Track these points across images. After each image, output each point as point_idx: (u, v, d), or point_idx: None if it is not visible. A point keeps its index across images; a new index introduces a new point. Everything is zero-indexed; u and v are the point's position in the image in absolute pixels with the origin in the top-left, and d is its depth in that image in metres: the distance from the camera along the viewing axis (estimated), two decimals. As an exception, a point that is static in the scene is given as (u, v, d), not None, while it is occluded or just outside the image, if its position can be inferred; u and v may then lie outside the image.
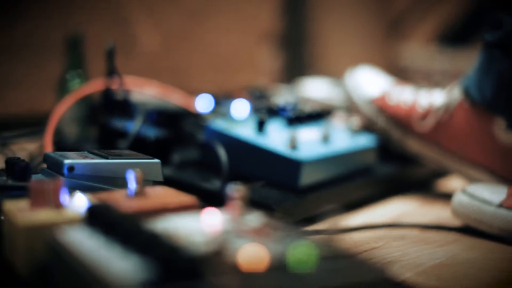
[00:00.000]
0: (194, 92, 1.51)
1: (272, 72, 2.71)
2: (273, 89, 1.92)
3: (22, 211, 0.69)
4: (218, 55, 2.50)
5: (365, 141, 1.35)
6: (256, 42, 2.68)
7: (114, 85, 1.35)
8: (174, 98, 1.48)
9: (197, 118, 1.36)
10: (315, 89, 1.74)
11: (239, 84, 2.16)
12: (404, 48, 3.22)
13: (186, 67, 2.36)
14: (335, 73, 2.13)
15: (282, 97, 1.66)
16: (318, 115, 1.40)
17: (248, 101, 1.40)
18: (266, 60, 2.71)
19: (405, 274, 0.88)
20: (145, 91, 1.48)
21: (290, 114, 1.34)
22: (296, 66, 2.84)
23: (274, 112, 1.36)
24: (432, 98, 1.37)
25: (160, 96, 1.48)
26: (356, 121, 1.39)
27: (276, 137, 1.23)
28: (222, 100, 1.44)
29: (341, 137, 1.32)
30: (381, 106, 1.43)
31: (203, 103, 1.41)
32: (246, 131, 1.23)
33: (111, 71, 1.34)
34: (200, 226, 0.62)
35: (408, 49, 3.20)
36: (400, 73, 2.69)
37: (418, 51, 3.16)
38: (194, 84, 2.23)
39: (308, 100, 1.66)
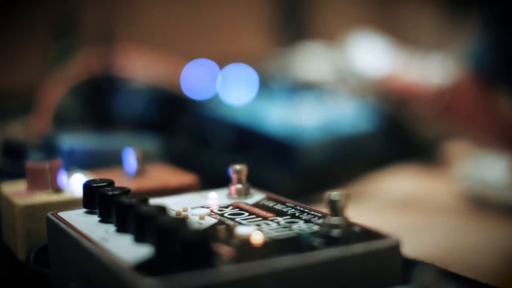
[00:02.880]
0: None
1: (266, 36, 2.67)
2: (268, 55, 1.89)
3: (20, 193, 0.68)
4: (212, 26, 2.47)
5: (366, 121, 1.33)
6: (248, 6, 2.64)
7: (110, 58, 1.34)
8: (173, 69, 1.46)
9: (196, 105, 1.35)
10: (311, 57, 1.72)
11: (237, 52, 2.13)
12: (400, 7, 3.17)
13: (180, 42, 2.34)
14: (332, 35, 2.09)
15: (278, 65, 1.65)
16: (315, 87, 1.39)
17: (252, 69, 1.38)
18: (260, 23, 2.67)
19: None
20: (144, 65, 1.46)
21: (287, 86, 1.33)
22: (291, 28, 2.79)
23: (271, 84, 1.35)
24: (435, 74, 1.35)
25: (159, 70, 1.47)
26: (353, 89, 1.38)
27: (275, 116, 1.22)
28: (224, 66, 1.42)
29: (341, 115, 1.31)
30: (387, 88, 1.41)
31: (205, 70, 1.40)
32: (244, 116, 1.23)
33: (107, 39, 1.33)
34: (202, 204, 0.61)
35: (404, 9, 3.15)
36: (397, 31, 2.64)
37: (414, 10, 3.11)
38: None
39: (304, 69, 1.64)
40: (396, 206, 1.13)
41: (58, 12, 1.53)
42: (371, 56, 1.47)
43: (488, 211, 1.10)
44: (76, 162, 0.81)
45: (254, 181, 0.67)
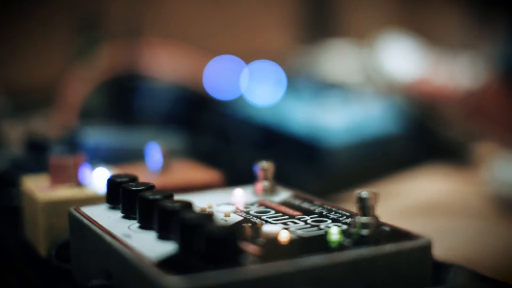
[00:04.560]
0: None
1: (292, 33, 2.65)
2: (294, 52, 1.87)
3: (42, 188, 0.67)
4: (238, 22, 2.45)
5: (393, 123, 1.31)
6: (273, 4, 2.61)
7: (135, 54, 1.33)
8: (198, 65, 1.45)
9: (221, 105, 1.34)
10: (338, 56, 1.70)
11: (262, 48, 2.10)
12: (428, 7, 3.13)
13: (206, 37, 2.32)
14: (358, 34, 2.06)
15: (304, 63, 1.63)
16: (342, 87, 1.38)
17: (279, 66, 1.37)
18: (287, 20, 2.64)
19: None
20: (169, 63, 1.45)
21: (313, 86, 1.32)
22: (317, 26, 2.76)
23: (297, 83, 1.34)
24: (464, 75, 1.33)
25: (184, 68, 1.46)
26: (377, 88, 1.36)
27: (300, 116, 1.21)
28: (250, 62, 1.41)
29: (368, 116, 1.29)
30: (416, 91, 1.39)
31: (230, 66, 1.39)
32: (269, 116, 1.22)
33: (133, 34, 1.33)
34: (227, 201, 0.60)
35: (432, 9, 3.11)
36: (425, 32, 2.60)
37: (442, 10, 3.07)
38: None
39: (331, 69, 1.62)
40: (423, 208, 1.11)
41: (82, 6, 1.52)
42: (400, 57, 1.45)
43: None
44: (100, 157, 0.80)
45: (279, 181, 0.65)
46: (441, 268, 0.56)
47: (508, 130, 1.28)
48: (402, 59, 1.45)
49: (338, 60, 1.65)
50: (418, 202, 1.13)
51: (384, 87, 1.43)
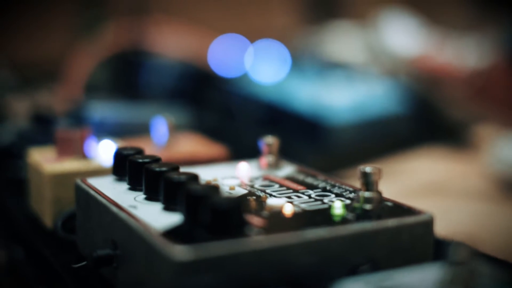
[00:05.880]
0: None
1: (297, 12, 2.64)
2: (299, 32, 1.87)
3: (49, 160, 0.68)
4: (242, 1, 2.44)
5: (396, 102, 1.31)
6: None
7: (141, 31, 1.33)
8: (203, 43, 1.45)
9: (225, 82, 1.34)
10: (342, 36, 1.70)
11: (267, 27, 2.10)
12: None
13: (211, 16, 2.32)
14: (363, 14, 2.05)
15: (309, 43, 1.63)
16: (346, 66, 1.38)
17: (283, 45, 1.38)
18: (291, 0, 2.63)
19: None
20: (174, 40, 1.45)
21: (318, 65, 1.32)
22: (322, 6, 2.74)
23: (302, 63, 1.34)
24: (470, 56, 1.33)
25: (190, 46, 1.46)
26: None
27: (304, 95, 1.21)
28: (254, 41, 1.41)
29: (371, 96, 1.29)
30: (419, 68, 1.39)
31: (235, 44, 1.39)
32: (273, 94, 1.22)
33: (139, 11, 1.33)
34: (232, 175, 0.61)
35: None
36: (430, 13, 2.58)
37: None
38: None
39: (335, 49, 1.62)
40: (425, 188, 1.12)
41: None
42: (404, 35, 1.45)
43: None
44: (106, 131, 0.81)
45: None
46: (442, 245, 0.57)
47: (511, 111, 1.28)
48: (406, 37, 1.45)
49: (342, 40, 1.65)
50: (420, 182, 1.14)
51: (388, 66, 1.43)
